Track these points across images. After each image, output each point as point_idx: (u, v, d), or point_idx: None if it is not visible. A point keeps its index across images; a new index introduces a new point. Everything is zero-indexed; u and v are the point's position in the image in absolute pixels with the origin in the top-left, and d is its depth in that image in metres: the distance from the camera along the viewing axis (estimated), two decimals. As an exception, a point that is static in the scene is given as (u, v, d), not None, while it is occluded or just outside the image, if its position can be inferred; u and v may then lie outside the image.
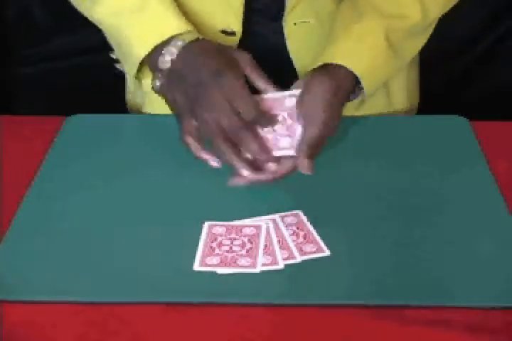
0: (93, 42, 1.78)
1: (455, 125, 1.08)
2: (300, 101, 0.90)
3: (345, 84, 0.94)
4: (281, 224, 0.87)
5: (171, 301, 0.78)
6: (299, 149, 0.88)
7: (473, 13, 1.08)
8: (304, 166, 0.87)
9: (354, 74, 0.94)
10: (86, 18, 1.08)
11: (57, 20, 1.75)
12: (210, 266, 0.81)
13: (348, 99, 0.96)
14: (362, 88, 0.97)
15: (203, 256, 0.82)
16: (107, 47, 1.07)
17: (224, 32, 1.08)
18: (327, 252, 0.83)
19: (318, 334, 0.75)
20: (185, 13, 1.06)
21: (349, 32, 0.98)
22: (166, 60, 0.93)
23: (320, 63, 0.95)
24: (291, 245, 0.84)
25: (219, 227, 0.87)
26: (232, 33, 1.08)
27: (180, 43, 0.93)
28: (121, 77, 1.00)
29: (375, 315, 0.76)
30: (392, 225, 0.88)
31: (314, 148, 0.88)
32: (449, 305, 0.77)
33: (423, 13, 1.00)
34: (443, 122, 1.07)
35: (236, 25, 1.07)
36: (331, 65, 0.94)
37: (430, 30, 1.05)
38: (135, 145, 1.04)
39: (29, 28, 1.78)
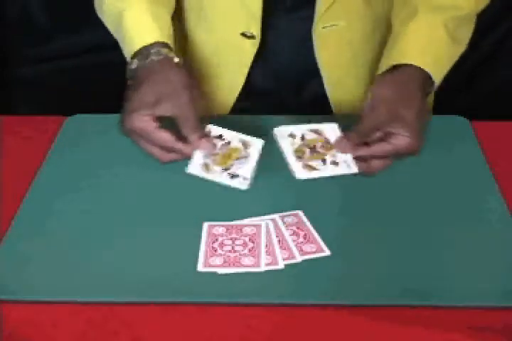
0: (93, 43, 1.79)
1: (455, 125, 1.08)
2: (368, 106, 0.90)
3: (413, 81, 0.93)
4: (281, 224, 0.87)
5: (170, 301, 0.78)
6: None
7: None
8: (342, 142, 0.87)
9: (422, 70, 0.94)
10: (86, 18, 1.08)
11: (57, 20, 1.75)
12: (213, 266, 0.81)
13: (424, 92, 0.95)
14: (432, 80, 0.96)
15: (206, 257, 0.82)
16: (107, 48, 1.07)
17: (244, 35, 1.09)
18: (327, 252, 0.83)
19: (318, 334, 0.75)
20: (206, 14, 1.08)
21: (408, 29, 0.98)
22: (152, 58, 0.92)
23: (387, 66, 0.95)
24: (292, 245, 0.84)
25: (219, 227, 0.86)
26: (252, 37, 1.09)
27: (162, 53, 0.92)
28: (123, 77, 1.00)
29: (375, 315, 0.76)
30: (392, 225, 0.88)
31: (360, 136, 0.87)
32: (449, 305, 0.77)
33: (475, 2, 1.03)
34: (443, 122, 1.07)
35: (255, 29, 1.08)
36: (399, 66, 0.94)
37: (475, 20, 1.06)
38: (135, 146, 1.03)
39: (29, 28, 1.78)
